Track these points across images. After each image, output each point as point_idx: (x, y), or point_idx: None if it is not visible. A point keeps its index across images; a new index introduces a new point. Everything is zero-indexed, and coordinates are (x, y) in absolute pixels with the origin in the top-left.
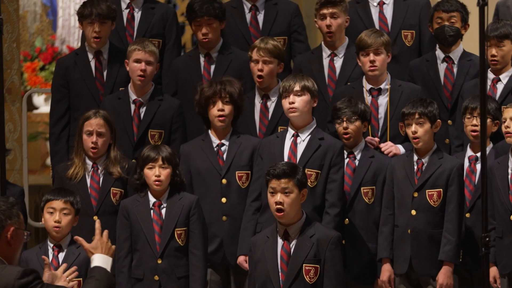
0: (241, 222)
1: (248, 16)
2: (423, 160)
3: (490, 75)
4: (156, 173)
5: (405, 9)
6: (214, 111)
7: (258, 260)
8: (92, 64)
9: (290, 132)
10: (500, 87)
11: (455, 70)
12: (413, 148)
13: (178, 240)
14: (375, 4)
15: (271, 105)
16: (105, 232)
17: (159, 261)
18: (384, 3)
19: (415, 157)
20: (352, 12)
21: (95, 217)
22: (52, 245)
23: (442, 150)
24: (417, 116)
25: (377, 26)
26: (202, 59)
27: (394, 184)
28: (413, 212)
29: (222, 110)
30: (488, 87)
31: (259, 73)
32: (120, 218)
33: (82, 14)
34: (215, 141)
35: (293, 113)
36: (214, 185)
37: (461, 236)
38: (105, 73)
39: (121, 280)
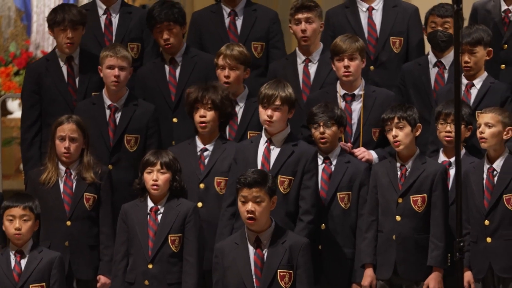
0: (216, 227)
1: (227, 21)
2: (406, 165)
3: (464, 81)
4: (154, 177)
5: (394, 16)
6: (197, 117)
7: (228, 266)
8: (64, 70)
9: (264, 138)
10: (474, 92)
11: (446, 75)
12: (396, 154)
13: (171, 246)
14: (364, 9)
15: (240, 110)
16: None
17: (150, 266)
18: (373, 9)
19: (398, 163)
20: (341, 16)
21: (68, 223)
22: (13, 251)
23: (424, 155)
24: (396, 120)
25: (365, 31)
26: (166, 65)
27: (377, 190)
28: (398, 218)
29: (204, 116)
30: (462, 92)
31: (226, 79)
32: (119, 221)
33: (54, 21)
34: (200, 145)
35: (269, 126)
36: (192, 189)
37: (448, 241)
38: (77, 79)
39: (116, 283)
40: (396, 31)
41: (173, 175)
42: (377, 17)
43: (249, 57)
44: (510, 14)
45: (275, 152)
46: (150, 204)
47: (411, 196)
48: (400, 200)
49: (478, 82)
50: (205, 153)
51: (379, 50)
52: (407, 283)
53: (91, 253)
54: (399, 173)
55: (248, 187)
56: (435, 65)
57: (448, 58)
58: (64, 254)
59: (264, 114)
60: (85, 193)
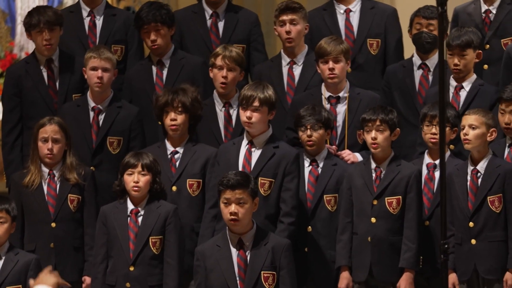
0: (189, 230)
1: (208, 22)
2: (381, 167)
3: (453, 83)
4: (134, 179)
5: (371, 18)
6: (167, 120)
7: (211, 269)
8: (44, 72)
9: (245, 140)
10: (463, 94)
11: (430, 77)
12: (371, 156)
13: (153, 249)
14: (342, 11)
15: (234, 113)
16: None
17: (131, 269)
18: (350, 11)
19: (373, 165)
20: (319, 19)
21: (53, 224)
22: None
23: (399, 157)
24: (378, 122)
25: (343, 33)
26: (154, 66)
27: (352, 192)
28: (373, 219)
29: (175, 119)
30: (451, 94)
31: (224, 80)
32: (99, 223)
33: (30, 24)
34: (170, 148)
35: (249, 127)
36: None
37: (421, 243)
38: (57, 81)
39: (96, 285)
40: (374, 33)
41: (154, 177)
42: (355, 19)
43: (244, 59)
44: (490, 15)
45: (256, 154)
46: (130, 206)
47: (386, 198)
48: (375, 202)
49: (467, 85)
50: (176, 156)
51: (356, 52)
52: (382, 284)
53: (76, 255)
54: (374, 175)
55: (231, 189)
56: (419, 67)
57: (433, 60)
58: (49, 256)
59: (243, 115)
60: (69, 195)
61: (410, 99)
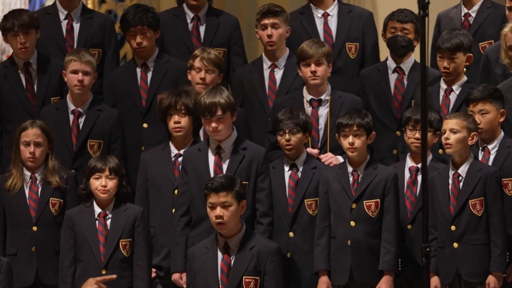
0: None
1: (190, 26)
2: (358, 171)
3: (443, 85)
4: (102, 183)
5: (349, 22)
6: (171, 123)
7: (198, 270)
8: (22, 76)
9: (213, 146)
10: (453, 97)
11: (405, 81)
12: (347, 160)
13: (123, 251)
14: (320, 15)
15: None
16: (100, 278)
17: (103, 272)
18: (328, 15)
19: (350, 169)
20: (297, 23)
21: (34, 228)
22: None
23: (375, 160)
24: (355, 127)
25: (321, 37)
26: (138, 69)
27: (329, 196)
28: (352, 223)
29: (178, 122)
30: (441, 97)
31: (201, 81)
32: (65, 228)
33: (5, 28)
34: (174, 151)
35: (216, 136)
36: (166, 195)
37: (400, 245)
38: (35, 84)
39: None
40: (352, 37)
41: (120, 180)
42: (333, 23)
43: (223, 62)
44: (470, 18)
45: (226, 158)
46: (98, 209)
47: (364, 202)
48: (353, 206)
49: (457, 88)
50: (180, 159)
51: (335, 56)
52: None
53: (58, 258)
54: (351, 179)
55: (215, 192)
56: (394, 70)
57: (407, 64)
58: (31, 260)
59: (208, 126)
60: (50, 198)
61: (385, 102)
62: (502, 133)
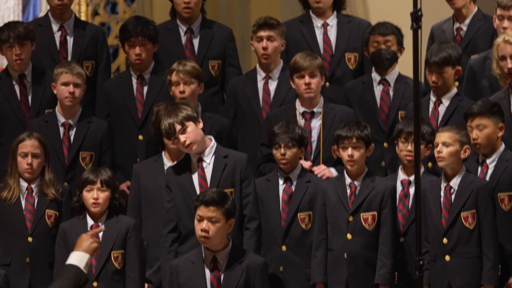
0: None
1: (183, 39)
2: (355, 183)
3: (433, 98)
4: (94, 196)
5: (348, 32)
6: None
7: (184, 284)
8: (16, 87)
9: (194, 159)
10: (442, 110)
11: (391, 92)
12: (345, 172)
13: (115, 263)
14: (319, 25)
15: None
16: (91, 232)
17: (95, 284)
18: (328, 25)
19: (347, 181)
20: (296, 31)
21: (29, 239)
22: None
23: (374, 172)
24: (354, 140)
25: (321, 47)
26: (134, 81)
27: (327, 208)
28: (349, 236)
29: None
30: (430, 109)
31: (181, 95)
32: (58, 240)
33: (0, 39)
34: (167, 163)
35: (192, 148)
36: (159, 207)
37: (396, 259)
38: (30, 96)
39: None
40: (351, 47)
41: (113, 192)
42: (332, 33)
43: (201, 72)
44: (461, 32)
45: (209, 169)
46: (90, 221)
47: (361, 214)
48: (350, 218)
49: (446, 100)
50: None
51: (334, 66)
52: None
53: (51, 270)
54: (348, 191)
55: (205, 205)
56: (379, 82)
57: (392, 76)
58: (25, 271)
59: (178, 143)
60: (46, 210)
61: (371, 114)
62: (503, 147)
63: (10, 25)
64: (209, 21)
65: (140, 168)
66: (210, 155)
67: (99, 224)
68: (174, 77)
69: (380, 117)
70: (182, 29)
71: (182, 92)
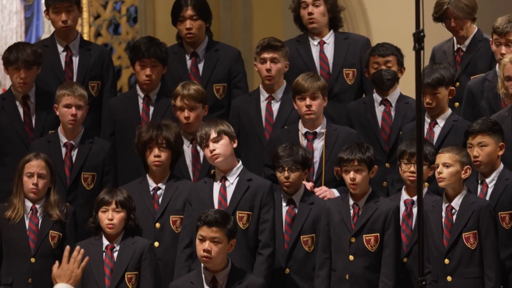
0: (173, 266)
1: (188, 63)
2: (359, 204)
3: (427, 119)
4: (109, 216)
5: (346, 48)
6: (151, 156)
7: None
8: (20, 108)
9: (218, 177)
10: (437, 130)
11: (392, 113)
12: (348, 192)
13: (128, 284)
14: (316, 43)
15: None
16: (74, 257)
17: None
18: (324, 42)
19: (351, 201)
20: (293, 50)
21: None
22: None
23: (377, 193)
24: (356, 163)
25: (317, 64)
26: (140, 101)
27: (330, 227)
28: (351, 257)
29: (159, 156)
30: (426, 130)
31: (187, 121)
32: None
33: (8, 60)
34: (152, 184)
35: (217, 159)
36: (147, 228)
37: (398, 280)
38: (33, 117)
39: None
40: (349, 63)
41: (128, 213)
42: (329, 50)
43: (205, 94)
44: (461, 53)
45: (230, 189)
46: (106, 242)
47: (364, 236)
48: (353, 240)
49: (441, 121)
50: (158, 192)
51: (332, 83)
52: None
53: None
54: (351, 211)
55: (207, 225)
56: (381, 103)
57: (394, 96)
58: None
59: (207, 152)
60: (50, 231)
61: (373, 135)
62: (502, 166)
63: (19, 47)
64: (215, 43)
65: (126, 190)
66: (234, 175)
67: (114, 244)
68: (178, 103)
69: (381, 138)
70: (188, 53)
71: (187, 118)
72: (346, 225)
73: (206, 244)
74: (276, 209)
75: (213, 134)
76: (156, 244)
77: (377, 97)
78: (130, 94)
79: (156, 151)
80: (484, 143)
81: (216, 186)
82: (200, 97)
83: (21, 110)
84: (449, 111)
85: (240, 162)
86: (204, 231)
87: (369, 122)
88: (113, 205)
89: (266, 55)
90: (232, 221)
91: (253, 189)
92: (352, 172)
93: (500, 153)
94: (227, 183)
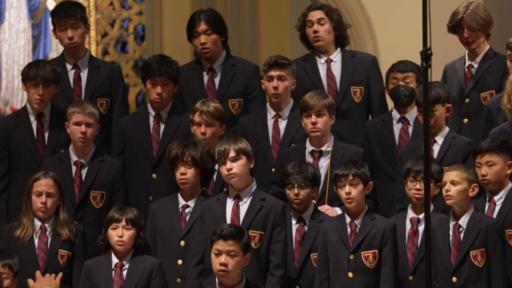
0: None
1: (205, 78)
2: (356, 221)
3: None
4: (119, 234)
5: (353, 66)
6: (178, 174)
7: None
8: (34, 126)
9: (231, 194)
10: (436, 149)
11: (410, 130)
12: (345, 210)
13: None
14: (323, 61)
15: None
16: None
17: None
18: (331, 61)
19: (348, 219)
20: (300, 68)
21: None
22: None
23: (374, 211)
24: (350, 177)
25: (324, 83)
26: (151, 119)
27: (328, 247)
28: (350, 274)
29: (184, 174)
30: None
31: (203, 136)
32: (82, 278)
33: (27, 76)
34: (182, 202)
35: (233, 179)
36: (172, 246)
37: None
38: (46, 135)
39: None
40: (356, 81)
41: (138, 231)
42: (336, 68)
43: (224, 113)
44: (472, 69)
45: (244, 207)
46: (115, 260)
47: (362, 252)
48: (351, 257)
49: (440, 138)
50: (187, 210)
51: (339, 101)
52: None
53: None
54: (349, 229)
55: (223, 239)
56: (399, 120)
57: (412, 114)
58: None
59: (224, 170)
60: (59, 250)
61: (390, 152)
62: (510, 184)
63: (39, 64)
64: (232, 58)
65: (156, 207)
66: (248, 194)
67: (124, 262)
68: (197, 118)
69: (398, 155)
70: (205, 68)
71: (203, 133)
72: (344, 243)
73: (223, 258)
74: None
75: (232, 153)
76: (180, 262)
77: (395, 115)
78: (141, 112)
79: (182, 168)
80: (492, 162)
81: (229, 204)
82: (218, 115)
83: (34, 128)
84: (447, 128)
85: (254, 181)
86: (220, 245)
87: (386, 139)
88: (123, 223)
89: (273, 72)
90: (247, 235)
91: (266, 209)
92: (347, 186)
93: (509, 171)
94: (240, 202)
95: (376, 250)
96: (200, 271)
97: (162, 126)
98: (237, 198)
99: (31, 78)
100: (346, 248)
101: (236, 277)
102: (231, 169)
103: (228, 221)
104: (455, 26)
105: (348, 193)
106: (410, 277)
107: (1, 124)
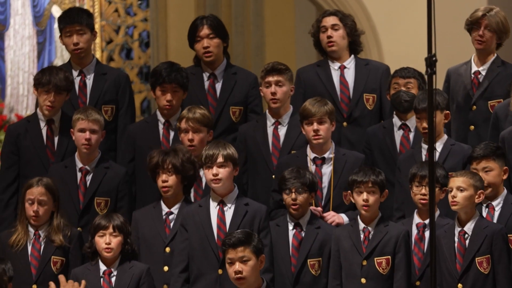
0: None
1: (206, 84)
2: (369, 228)
3: (425, 145)
4: (106, 241)
5: (366, 74)
6: (159, 181)
7: None
8: (44, 132)
9: (215, 200)
10: (435, 155)
11: (411, 137)
12: (358, 217)
13: None
14: (336, 68)
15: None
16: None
17: None
18: (345, 67)
19: (361, 226)
20: (312, 74)
21: (34, 286)
22: None
23: (387, 218)
24: (370, 184)
25: (338, 89)
26: (161, 126)
27: (340, 254)
28: (363, 280)
29: (166, 181)
30: (424, 156)
31: (190, 143)
32: None
33: (40, 82)
34: (165, 209)
35: (217, 184)
36: (157, 253)
37: None
38: (56, 141)
39: None
40: (369, 88)
41: (125, 238)
42: (349, 75)
43: (211, 119)
44: (479, 76)
45: (229, 213)
46: (103, 267)
47: (375, 258)
48: (364, 263)
49: (438, 146)
50: (170, 217)
51: (352, 107)
52: None
53: None
54: (362, 235)
55: (233, 247)
56: (400, 127)
57: (413, 121)
58: None
59: (209, 174)
60: (52, 256)
61: (391, 159)
62: (506, 190)
63: (52, 71)
64: (233, 66)
65: (139, 215)
66: (232, 200)
67: (112, 269)
68: (183, 125)
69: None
70: (205, 74)
71: (191, 140)
72: (357, 249)
73: (236, 266)
74: (282, 232)
75: (220, 159)
76: (166, 268)
77: (396, 122)
78: (151, 120)
79: (163, 176)
80: (489, 168)
81: (214, 210)
82: (205, 121)
83: (44, 134)
84: (445, 136)
85: (236, 187)
86: (231, 254)
87: (387, 146)
88: (110, 229)
89: (270, 78)
90: (257, 237)
91: (251, 214)
92: (365, 193)
93: (505, 177)
94: (225, 208)
95: (390, 257)
96: (185, 279)
97: (172, 133)
98: (222, 204)
99: (43, 84)
100: (359, 254)
101: (255, 281)
102: (217, 174)
103: (214, 227)
104: (474, 22)
105: (366, 200)
106: (417, 283)
107: (12, 130)
